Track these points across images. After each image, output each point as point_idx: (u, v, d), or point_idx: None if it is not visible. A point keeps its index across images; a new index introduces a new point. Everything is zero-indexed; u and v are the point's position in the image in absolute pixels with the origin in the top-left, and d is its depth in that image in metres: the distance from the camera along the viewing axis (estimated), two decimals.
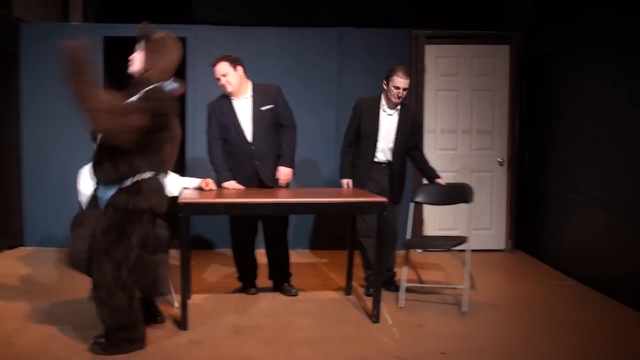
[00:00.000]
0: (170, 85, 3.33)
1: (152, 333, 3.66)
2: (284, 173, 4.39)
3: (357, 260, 4.59)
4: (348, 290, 4.58)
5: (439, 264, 5.49)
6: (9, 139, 6.01)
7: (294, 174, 4.47)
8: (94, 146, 3.40)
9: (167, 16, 6.76)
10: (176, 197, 4.14)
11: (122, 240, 3.19)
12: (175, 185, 4.32)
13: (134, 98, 3.32)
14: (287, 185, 4.45)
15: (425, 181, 4.78)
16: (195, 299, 4.31)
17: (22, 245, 6.18)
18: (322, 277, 5.12)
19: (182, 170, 5.48)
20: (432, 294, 4.48)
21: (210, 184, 4.29)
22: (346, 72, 6.15)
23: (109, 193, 3.26)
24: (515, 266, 5.79)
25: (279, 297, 4.50)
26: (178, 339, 3.60)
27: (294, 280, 4.65)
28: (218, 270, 5.28)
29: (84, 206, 4.02)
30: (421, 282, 4.51)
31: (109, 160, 3.26)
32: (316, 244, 6.17)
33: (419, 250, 4.45)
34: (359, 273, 4.69)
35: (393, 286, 4.55)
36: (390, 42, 6.15)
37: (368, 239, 4.41)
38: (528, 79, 6.15)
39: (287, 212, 4.39)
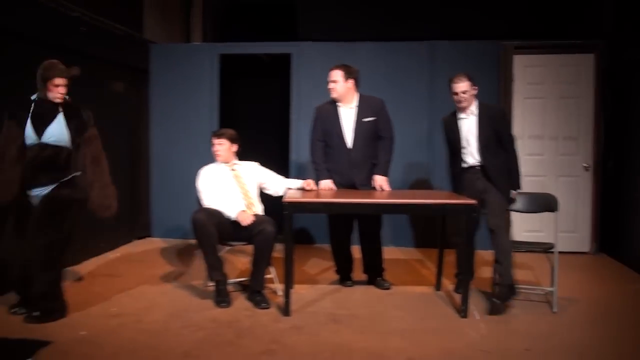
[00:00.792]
0: None
1: (259, 318, 3.77)
2: (379, 180, 4.38)
3: (452, 257, 4.49)
4: (438, 285, 4.50)
5: (525, 264, 5.27)
6: (139, 144, 6.37)
7: (387, 181, 4.44)
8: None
9: (274, 34, 6.97)
10: (281, 197, 4.25)
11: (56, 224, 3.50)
12: (280, 185, 4.43)
13: None
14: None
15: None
16: (297, 288, 4.36)
17: (149, 236, 6.49)
18: (414, 273, 5.06)
19: (286, 172, 5.60)
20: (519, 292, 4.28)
21: (312, 184, 4.35)
22: (437, 83, 6.03)
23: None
24: (598, 268, 5.47)
25: (373, 290, 4.49)
26: (281, 324, 3.67)
27: (387, 275, 4.62)
28: (318, 263, 5.34)
29: (202, 202, 4.20)
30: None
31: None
32: (410, 242, 6.11)
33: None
34: (450, 270, 4.58)
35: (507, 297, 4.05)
36: (480, 53, 5.98)
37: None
38: (613, 86, 5.81)
39: (381, 212, 4.37)
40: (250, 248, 4.12)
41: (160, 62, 6.38)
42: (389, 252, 4.85)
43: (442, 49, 6.05)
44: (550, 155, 5.99)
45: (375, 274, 4.59)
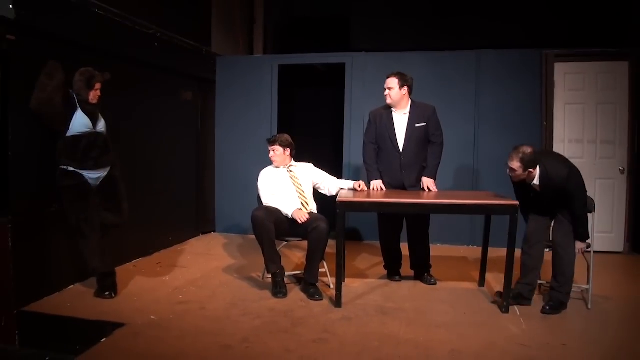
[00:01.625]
0: None
1: (312, 309, 3.77)
2: (426, 182, 4.30)
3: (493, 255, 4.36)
4: (482, 282, 4.37)
5: None
6: (206, 148, 6.49)
7: (435, 183, 4.35)
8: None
9: (329, 45, 6.97)
10: (334, 196, 4.24)
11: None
12: (333, 186, 4.41)
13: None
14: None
15: None
16: (348, 282, 4.35)
17: (213, 231, 6.59)
18: (459, 270, 4.93)
19: (339, 174, 5.59)
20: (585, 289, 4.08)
21: (363, 185, 4.32)
22: (483, 90, 5.89)
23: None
24: (632, 268, 5.22)
25: (419, 285, 4.41)
26: (333, 314, 3.65)
27: (433, 271, 4.52)
28: (367, 259, 5.29)
29: (261, 201, 4.24)
30: (546, 280, 4.17)
31: None
32: (456, 240, 5.98)
33: (547, 250, 4.13)
34: (493, 267, 4.44)
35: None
36: (522, 61, 5.81)
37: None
38: None
39: (428, 211, 4.28)
40: (305, 244, 4.13)
41: (226, 72, 6.49)
42: (436, 250, 4.75)
43: (487, 57, 5.90)
44: (589, 158, 5.77)
45: (422, 271, 4.51)
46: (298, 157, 4.46)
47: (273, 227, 3.95)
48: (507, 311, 3.71)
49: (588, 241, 3.86)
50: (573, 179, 3.71)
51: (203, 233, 6.47)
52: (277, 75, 6.37)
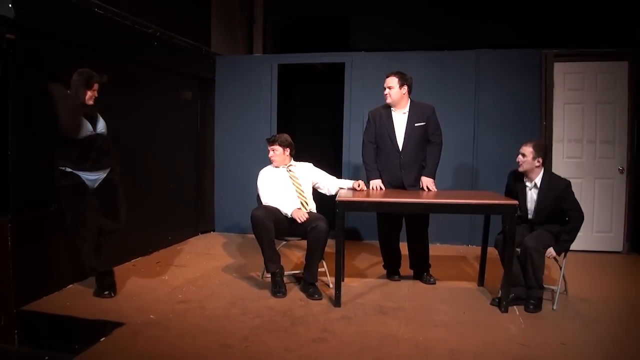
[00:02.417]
0: None
1: (311, 308, 3.77)
2: (426, 182, 4.31)
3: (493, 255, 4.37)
4: (480, 281, 4.38)
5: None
6: (205, 147, 6.49)
7: (434, 183, 4.35)
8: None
9: (328, 45, 6.98)
10: (333, 196, 4.24)
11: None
12: (333, 185, 4.42)
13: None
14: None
15: None
16: (347, 281, 4.33)
17: (213, 230, 6.59)
18: (458, 269, 4.94)
19: (338, 173, 5.59)
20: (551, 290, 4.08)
21: (362, 185, 4.32)
22: (482, 89, 5.89)
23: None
24: (631, 268, 5.22)
25: (418, 285, 4.41)
26: (332, 314, 3.65)
27: (433, 270, 4.53)
28: (367, 258, 5.29)
29: (261, 200, 4.24)
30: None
31: None
32: (455, 240, 5.99)
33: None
34: (492, 267, 4.45)
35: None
36: (522, 61, 5.81)
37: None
38: None
39: (427, 211, 4.28)
40: (304, 243, 4.13)
41: (225, 72, 6.49)
42: (435, 249, 4.75)
43: (486, 57, 5.91)
44: (589, 158, 5.78)
45: (421, 270, 4.51)
46: (297, 156, 4.47)
47: (272, 226, 3.95)
48: (506, 311, 3.71)
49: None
50: (571, 191, 3.81)
51: (202, 232, 6.47)
52: (276, 74, 6.37)
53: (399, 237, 4.55)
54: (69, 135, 3.58)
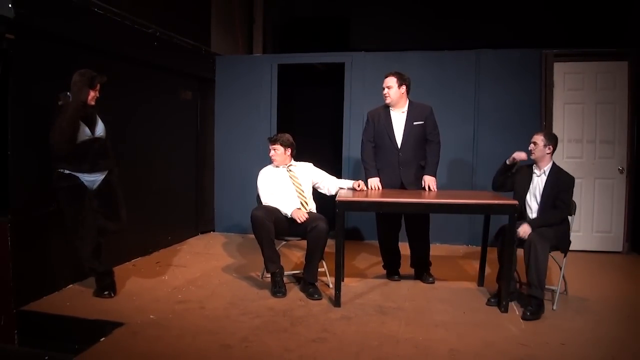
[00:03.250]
0: None
1: (311, 308, 3.77)
2: (427, 180, 4.31)
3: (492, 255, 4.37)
4: (480, 281, 4.38)
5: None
6: (205, 147, 6.49)
7: (435, 181, 4.36)
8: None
9: (328, 45, 6.98)
10: (333, 196, 4.24)
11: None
12: (333, 185, 4.42)
13: None
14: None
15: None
16: (347, 281, 4.32)
17: (213, 230, 6.59)
18: (458, 269, 4.94)
19: (338, 173, 5.59)
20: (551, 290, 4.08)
21: (362, 184, 4.32)
22: (482, 89, 5.90)
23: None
24: (631, 268, 5.23)
25: (418, 284, 4.41)
26: (332, 314, 3.65)
27: (432, 270, 4.53)
28: (367, 258, 5.29)
29: (260, 200, 4.24)
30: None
31: None
32: (455, 240, 5.99)
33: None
34: (492, 267, 4.44)
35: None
36: (522, 61, 5.82)
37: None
38: None
39: (428, 211, 4.27)
40: (304, 243, 4.13)
41: (225, 72, 6.49)
42: (435, 249, 4.74)
43: (486, 57, 5.91)
44: (589, 158, 5.79)
45: (422, 269, 4.52)
46: (297, 156, 4.47)
47: (272, 226, 3.95)
48: (506, 310, 3.72)
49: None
50: (573, 187, 3.92)
51: (202, 232, 6.47)
52: (276, 74, 6.37)
53: (399, 237, 4.56)
54: (62, 150, 3.57)
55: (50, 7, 3.78)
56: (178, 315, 3.56)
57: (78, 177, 3.70)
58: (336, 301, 3.79)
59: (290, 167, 4.36)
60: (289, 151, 4.33)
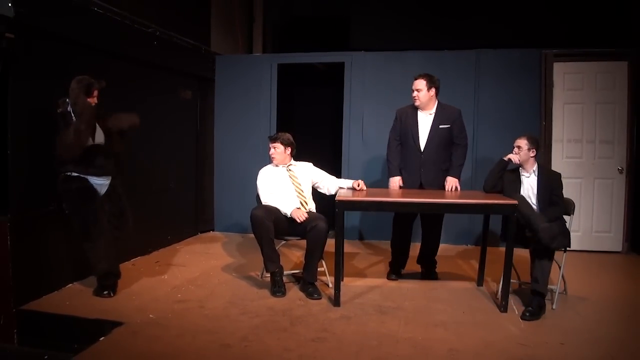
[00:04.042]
0: None
1: (311, 308, 3.77)
2: (450, 182, 4.33)
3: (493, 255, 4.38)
4: (480, 281, 4.38)
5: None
6: (205, 147, 6.49)
7: (459, 183, 4.39)
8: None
9: (328, 45, 6.98)
10: (333, 195, 4.24)
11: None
12: (332, 185, 4.42)
13: None
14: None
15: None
16: (346, 281, 4.33)
17: (212, 230, 6.59)
18: (457, 269, 4.95)
19: (338, 172, 5.59)
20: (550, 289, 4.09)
21: (362, 184, 4.32)
22: (482, 89, 5.90)
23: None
24: (630, 267, 5.23)
25: (418, 284, 4.42)
26: (331, 313, 3.65)
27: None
28: (366, 258, 5.29)
29: (260, 200, 4.24)
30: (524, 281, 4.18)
31: None
32: (454, 239, 5.99)
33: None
34: (491, 267, 4.45)
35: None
36: (522, 61, 5.83)
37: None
38: None
39: (427, 210, 4.26)
40: (304, 242, 4.12)
41: (225, 71, 6.49)
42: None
43: (486, 57, 5.92)
44: (588, 158, 5.79)
45: (429, 266, 4.60)
46: (297, 156, 4.47)
47: (272, 226, 3.95)
48: (505, 310, 3.72)
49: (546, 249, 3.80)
50: (562, 182, 4.01)
51: (202, 232, 6.47)
52: (276, 74, 6.37)
53: (410, 238, 4.60)
54: (71, 155, 3.58)
55: (50, 6, 3.78)
56: (177, 315, 3.56)
57: (88, 179, 3.71)
58: (336, 301, 3.79)
59: (290, 167, 4.36)
60: (288, 150, 4.33)
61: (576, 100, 5.79)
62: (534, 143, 4.03)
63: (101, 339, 3.14)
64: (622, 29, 6.11)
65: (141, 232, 5.02)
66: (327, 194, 4.43)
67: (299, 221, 4.03)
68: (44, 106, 3.66)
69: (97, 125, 3.78)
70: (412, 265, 4.70)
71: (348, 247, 5.59)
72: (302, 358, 2.95)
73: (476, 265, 4.57)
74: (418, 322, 3.51)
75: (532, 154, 4.02)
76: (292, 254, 5.35)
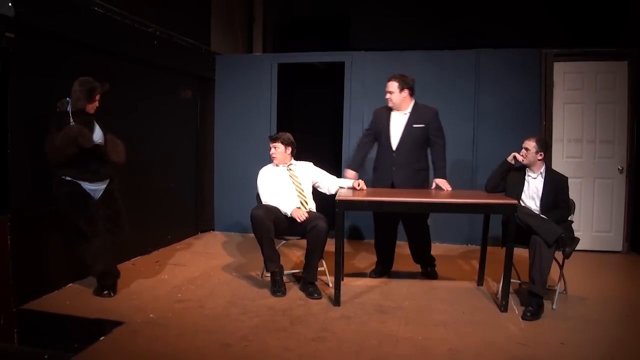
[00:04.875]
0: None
1: (311, 307, 3.77)
2: (440, 183, 4.34)
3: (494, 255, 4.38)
4: (480, 281, 4.38)
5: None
6: (205, 146, 6.48)
7: (447, 183, 4.38)
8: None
9: (328, 44, 6.97)
10: (333, 195, 4.24)
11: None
12: (333, 185, 4.42)
13: None
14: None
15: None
16: (346, 281, 4.34)
17: (212, 229, 6.58)
18: (458, 269, 4.94)
19: (338, 172, 5.58)
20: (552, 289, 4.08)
21: (362, 184, 4.32)
22: (482, 89, 5.89)
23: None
24: (630, 267, 5.23)
25: (418, 284, 4.41)
26: (332, 313, 3.65)
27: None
28: (366, 257, 5.28)
29: (260, 199, 4.24)
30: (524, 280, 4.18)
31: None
32: (454, 239, 5.99)
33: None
34: (491, 266, 4.44)
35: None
36: (522, 60, 5.82)
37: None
38: None
39: (427, 210, 4.27)
40: (304, 242, 4.12)
41: (225, 71, 6.49)
42: (434, 248, 4.71)
43: (486, 56, 5.91)
44: (588, 157, 5.79)
45: (426, 264, 4.60)
46: (297, 155, 4.46)
47: (272, 225, 3.95)
48: (505, 310, 3.72)
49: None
50: (568, 186, 4.03)
51: (202, 231, 6.46)
52: (276, 73, 6.37)
53: (396, 237, 4.59)
54: (55, 162, 3.57)
55: (50, 6, 3.78)
56: (177, 314, 3.56)
57: (80, 184, 3.70)
58: (336, 300, 3.79)
59: (291, 166, 4.36)
60: (289, 150, 4.33)
61: (576, 100, 5.78)
62: (543, 146, 4.02)
63: (101, 338, 3.14)
64: (622, 29, 6.11)
65: (141, 231, 5.04)
66: (327, 193, 4.43)
67: (299, 221, 4.03)
68: (44, 106, 3.65)
69: (97, 126, 3.77)
70: (412, 265, 4.70)
71: (348, 247, 5.59)
72: (302, 358, 2.94)
73: (476, 265, 4.56)
74: (418, 322, 3.51)
75: (540, 157, 4.02)
76: (292, 254, 5.35)
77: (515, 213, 3.72)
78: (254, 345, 3.08)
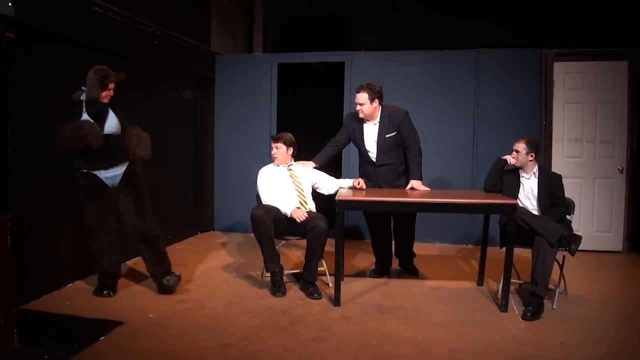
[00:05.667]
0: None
1: (311, 307, 3.77)
2: (415, 185, 4.29)
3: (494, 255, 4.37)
4: (480, 281, 4.38)
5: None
6: (205, 146, 6.48)
7: (422, 184, 4.35)
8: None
9: (328, 44, 6.98)
10: (332, 195, 4.24)
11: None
12: (332, 185, 4.41)
13: None
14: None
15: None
16: (346, 281, 4.34)
17: (212, 229, 6.59)
18: (457, 269, 4.94)
19: (338, 172, 5.59)
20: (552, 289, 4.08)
21: (362, 183, 4.32)
22: (482, 89, 5.89)
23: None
24: (630, 267, 5.23)
25: (418, 284, 4.42)
26: (332, 313, 3.65)
27: (432, 271, 4.56)
28: (366, 257, 5.27)
29: (260, 199, 4.24)
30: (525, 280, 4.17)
31: None
32: (453, 239, 5.99)
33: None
34: (491, 266, 4.44)
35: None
36: (522, 60, 5.82)
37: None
38: None
39: (427, 210, 4.23)
40: (304, 242, 4.12)
41: (225, 71, 6.49)
42: (434, 248, 4.74)
43: (486, 56, 5.91)
44: (588, 157, 5.79)
45: (406, 259, 4.63)
46: (297, 155, 4.46)
47: (272, 225, 3.95)
48: (505, 310, 3.72)
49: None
50: (562, 184, 4.04)
51: (202, 231, 6.47)
52: (276, 73, 6.37)
53: (392, 236, 4.61)
54: (61, 154, 3.58)
55: (50, 5, 3.78)
56: (177, 315, 3.56)
57: (96, 175, 3.71)
58: (336, 300, 3.79)
59: (291, 167, 4.36)
60: (290, 150, 4.33)
61: (576, 100, 5.78)
62: (533, 147, 4.04)
63: (101, 338, 3.14)
64: (622, 28, 6.11)
65: None
66: (327, 193, 4.42)
67: (299, 221, 4.03)
68: (44, 106, 3.65)
69: (111, 114, 3.75)
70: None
71: (348, 247, 5.58)
72: (302, 358, 2.94)
73: (476, 265, 4.56)
74: (418, 322, 3.51)
75: (531, 158, 4.04)
76: (292, 254, 5.35)
77: (516, 213, 3.72)
78: (254, 345, 3.08)
